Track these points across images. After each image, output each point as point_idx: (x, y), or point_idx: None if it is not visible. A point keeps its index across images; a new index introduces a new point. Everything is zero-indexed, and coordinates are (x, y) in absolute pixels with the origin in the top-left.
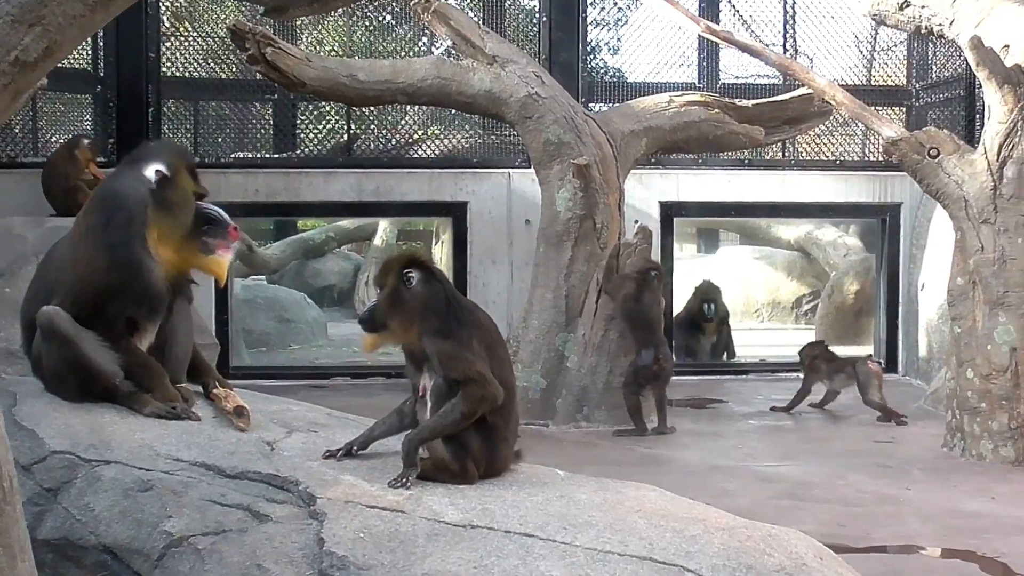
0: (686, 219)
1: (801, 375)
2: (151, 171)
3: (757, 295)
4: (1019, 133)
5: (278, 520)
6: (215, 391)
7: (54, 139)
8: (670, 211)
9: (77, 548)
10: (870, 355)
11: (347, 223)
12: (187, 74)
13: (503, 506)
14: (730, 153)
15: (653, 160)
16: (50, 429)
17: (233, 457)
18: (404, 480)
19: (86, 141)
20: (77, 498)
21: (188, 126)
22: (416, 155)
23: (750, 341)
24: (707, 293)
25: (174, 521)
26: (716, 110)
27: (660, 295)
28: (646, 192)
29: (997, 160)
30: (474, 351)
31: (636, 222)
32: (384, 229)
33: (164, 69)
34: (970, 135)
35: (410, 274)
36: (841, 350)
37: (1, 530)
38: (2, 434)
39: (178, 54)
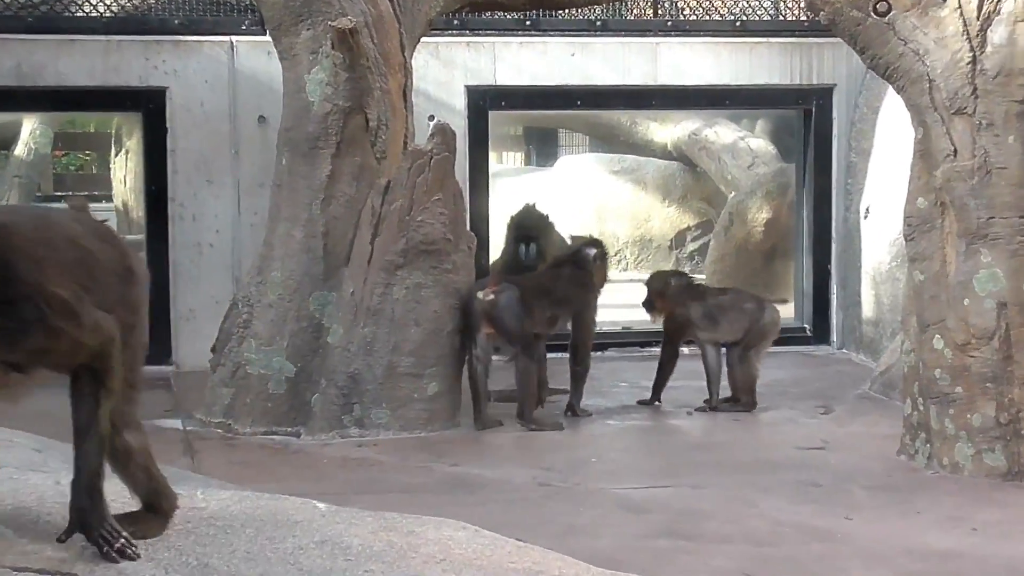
0: (508, 112)
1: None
2: None
3: (617, 228)
4: None
5: None
6: None
7: None
8: (483, 101)
9: None
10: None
11: None
12: None
13: (232, 559)
14: (573, 11)
15: (456, 22)
16: None
17: None
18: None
19: None
20: None
21: None
22: (81, 13)
23: (607, 300)
24: (524, 225)
25: None
26: None
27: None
28: (446, 72)
29: (977, 18)
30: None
31: (431, 118)
32: (32, 131)
33: None
34: None
35: None
36: None
37: None
38: None
39: None
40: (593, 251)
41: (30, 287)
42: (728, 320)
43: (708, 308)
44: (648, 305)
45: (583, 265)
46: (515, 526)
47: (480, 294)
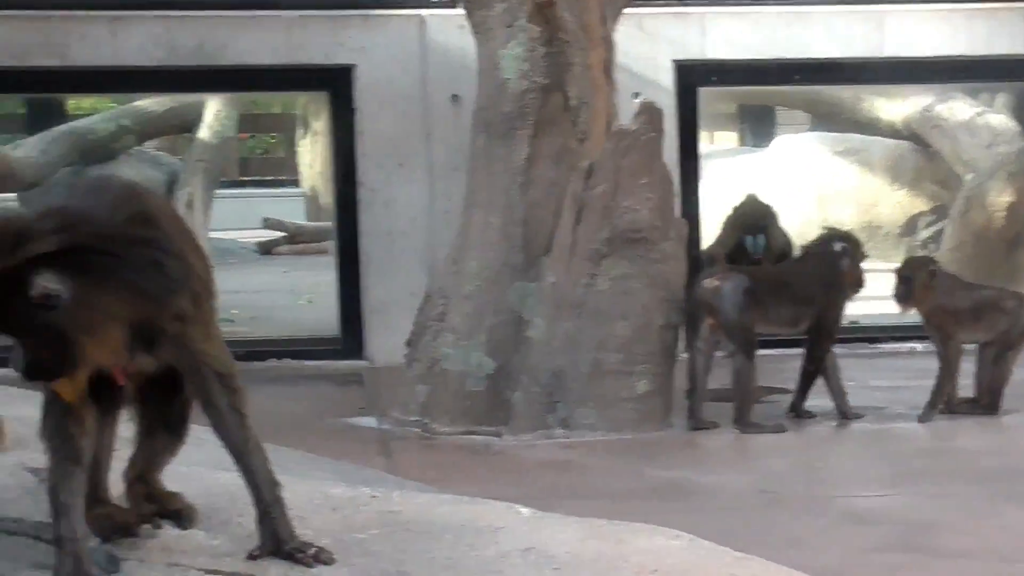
0: (719, 89)
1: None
2: None
3: (841, 214)
4: None
5: None
6: None
7: None
8: (692, 76)
9: None
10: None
11: (151, 103)
12: None
13: (431, 567)
14: None
15: None
16: None
17: None
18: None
19: None
20: None
21: None
22: None
23: None
24: (751, 217)
25: None
26: None
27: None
28: (651, 46)
29: None
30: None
31: (636, 96)
32: (216, 113)
33: None
34: None
35: (47, 289)
36: None
37: None
38: None
39: None
40: (842, 246)
41: None
42: (989, 318)
43: (974, 303)
44: (903, 296)
45: (831, 261)
46: (733, 536)
47: (705, 281)
